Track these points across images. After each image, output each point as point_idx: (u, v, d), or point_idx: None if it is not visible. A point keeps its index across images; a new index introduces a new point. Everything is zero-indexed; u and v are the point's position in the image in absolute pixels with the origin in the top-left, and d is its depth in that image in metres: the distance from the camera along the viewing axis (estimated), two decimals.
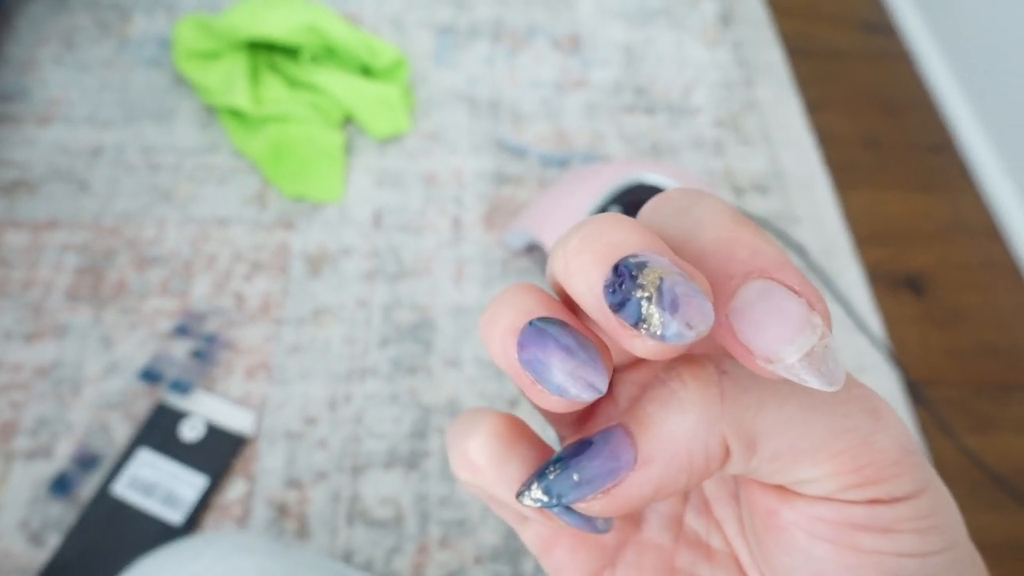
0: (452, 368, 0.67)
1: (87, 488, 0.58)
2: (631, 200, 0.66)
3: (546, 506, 0.15)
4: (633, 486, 0.14)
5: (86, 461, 0.59)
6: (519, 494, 0.15)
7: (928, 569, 0.14)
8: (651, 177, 0.68)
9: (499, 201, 0.78)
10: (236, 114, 0.78)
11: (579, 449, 0.15)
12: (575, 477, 0.14)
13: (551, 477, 0.15)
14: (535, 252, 0.74)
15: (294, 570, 0.40)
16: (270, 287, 0.70)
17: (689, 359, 0.15)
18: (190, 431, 0.61)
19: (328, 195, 0.76)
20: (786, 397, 0.14)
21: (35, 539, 0.56)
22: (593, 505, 0.15)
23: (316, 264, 0.72)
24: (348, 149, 0.80)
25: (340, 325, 0.68)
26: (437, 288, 0.71)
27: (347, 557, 0.57)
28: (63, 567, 0.55)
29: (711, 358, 0.15)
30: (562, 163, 0.81)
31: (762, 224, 0.77)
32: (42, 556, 0.55)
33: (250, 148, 0.76)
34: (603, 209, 0.65)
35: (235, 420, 0.62)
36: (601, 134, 0.84)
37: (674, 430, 0.14)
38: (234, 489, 0.60)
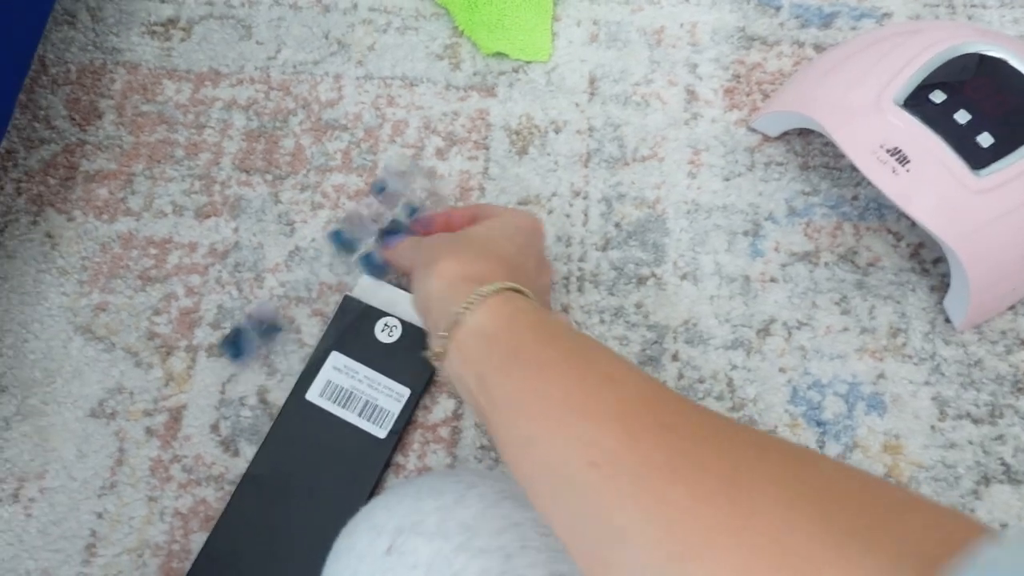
0: (688, 282, 0.55)
1: (277, 395, 0.51)
2: (960, 79, 0.49)
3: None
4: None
5: (264, 329, 0.52)
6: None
7: None
8: (986, 47, 0.50)
9: (744, 69, 0.62)
10: None
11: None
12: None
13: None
14: (792, 139, 0.59)
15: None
16: (468, 166, 0.58)
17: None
18: (386, 333, 0.52)
19: (534, 53, 0.61)
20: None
21: (227, 446, 0.51)
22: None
23: (521, 141, 0.59)
24: None
25: (552, 219, 0.57)
26: (668, 179, 0.58)
27: None
28: (263, 478, 0.49)
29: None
30: (824, 20, 0.63)
31: None
32: (237, 465, 0.50)
33: None
34: (923, 88, 0.49)
35: None
36: None
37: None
38: (440, 408, 0.51)
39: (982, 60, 0.49)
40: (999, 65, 0.49)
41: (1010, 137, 0.47)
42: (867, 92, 0.50)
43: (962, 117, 0.48)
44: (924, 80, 0.49)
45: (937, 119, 0.48)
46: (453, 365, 0.36)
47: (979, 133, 0.47)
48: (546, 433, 0.29)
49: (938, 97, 0.48)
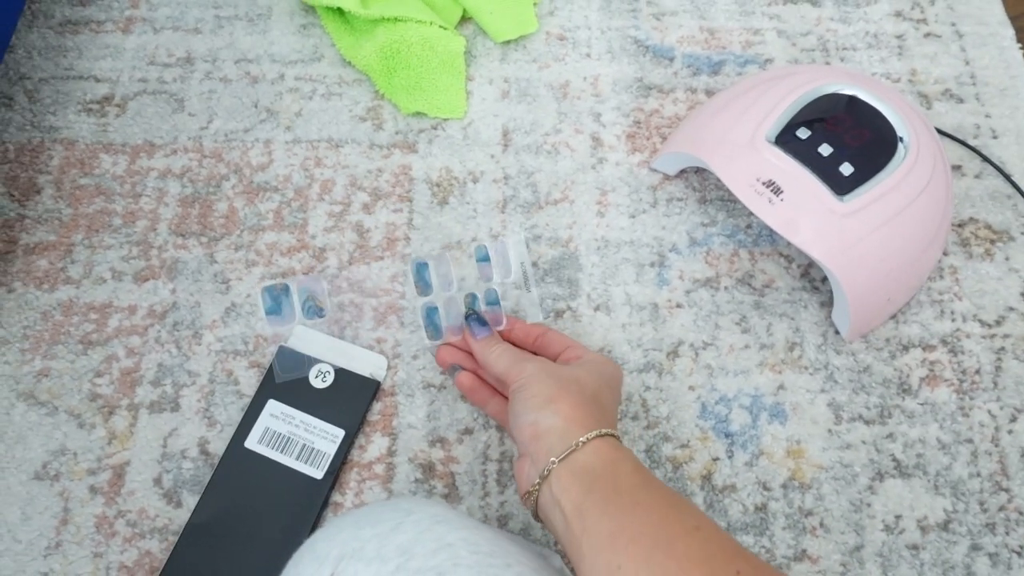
0: (601, 312, 0.59)
1: (216, 445, 0.54)
2: (822, 115, 0.55)
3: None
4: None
5: (307, 305, 0.54)
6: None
7: None
8: (845, 87, 0.56)
9: (643, 115, 0.67)
10: (340, 15, 0.68)
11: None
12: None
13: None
14: (689, 176, 0.64)
15: (495, 542, 0.36)
16: (394, 218, 0.62)
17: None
18: (319, 379, 0.55)
19: (450, 111, 0.66)
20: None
21: (170, 497, 0.53)
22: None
23: (442, 192, 0.64)
24: (467, 55, 0.69)
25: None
26: (579, 219, 0.63)
27: (501, 522, 0.52)
28: (205, 525, 0.51)
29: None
30: (714, 68, 0.70)
31: (955, 138, 0.66)
32: (180, 515, 0.52)
33: (359, 56, 0.67)
34: (791, 126, 0.55)
35: (367, 365, 0.56)
36: (757, 31, 0.72)
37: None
38: (374, 446, 0.54)
39: (840, 98, 0.56)
40: (856, 102, 0.56)
41: (868, 165, 0.53)
42: (744, 131, 0.56)
43: (825, 150, 0.53)
44: (792, 118, 0.55)
45: (804, 153, 0.53)
46: (553, 489, 0.41)
47: (841, 163, 0.53)
48: (634, 564, 0.35)
49: (804, 133, 0.54)
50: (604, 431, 0.42)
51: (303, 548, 0.39)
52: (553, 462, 0.41)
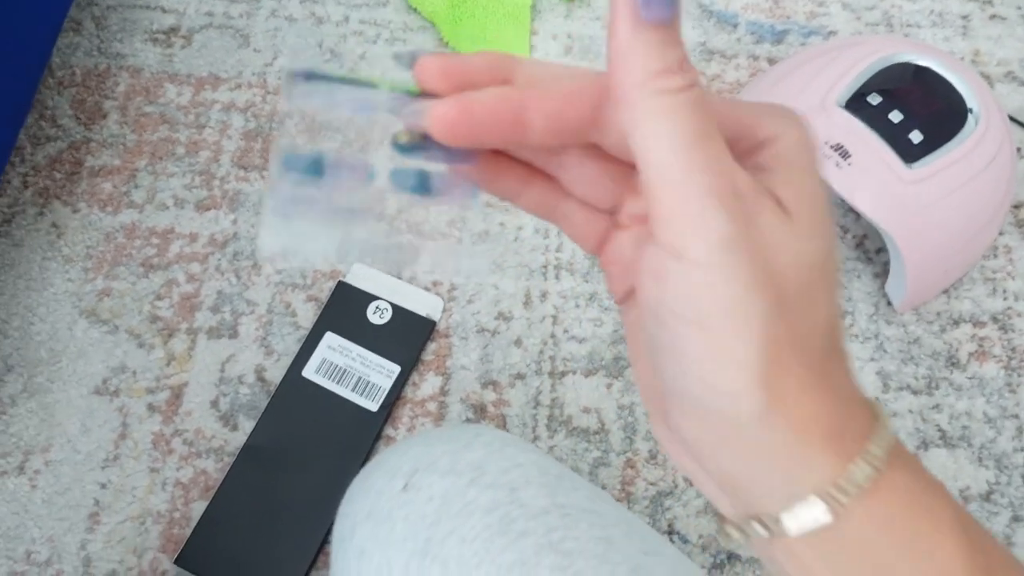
0: None
1: (275, 370, 0.55)
2: (892, 86, 0.55)
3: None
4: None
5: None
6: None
7: None
8: (916, 57, 0.56)
9: (705, 80, 0.67)
10: None
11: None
12: None
13: None
14: None
15: (560, 471, 0.37)
16: None
17: None
18: (377, 315, 0.56)
19: None
20: None
21: (226, 420, 0.54)
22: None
23: None
24: (532, 9, 0.69)
25: (530, 217, 0.61)
26: None
27: None
28: (261, 448, 0.52)
29: None
30: (777, 37, 0.69)
31: (1016, 120, 0.66)
32: (236, 438, 0.53)
33: (425, 3, 0.67)
34: (862, 92, 0.55)
35: (423, 305, 0.57)
36: (822, 3, 0.71)
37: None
38: (428, 384, 0.55)
39: (913, 68, 0.56)
40: (927, 73, 0.56)
41: (937, 134, 0.53)
42: (813, 96, 0.56)
43: (896, 117, 0.53)
44: (862, 85, 0.55)
45: (874, 118, 0.53)
46: (777, 556, 0.20)
47: (911, 131, 0.53)
48: None
49: (875, 100, 0.54)
50: (872, 453, 0.19)
51: (372, 463, 0.39)
52: (777, 522, 0.19)
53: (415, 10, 0.68)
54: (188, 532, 0.50)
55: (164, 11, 0.68)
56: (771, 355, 0.18)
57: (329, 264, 0.58)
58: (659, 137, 0.18)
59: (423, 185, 0.23)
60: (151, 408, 0.54)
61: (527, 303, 0.58)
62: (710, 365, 0.18)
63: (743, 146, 0.20)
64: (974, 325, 0.58)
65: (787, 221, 0.19)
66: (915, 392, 0.56)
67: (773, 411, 0.18)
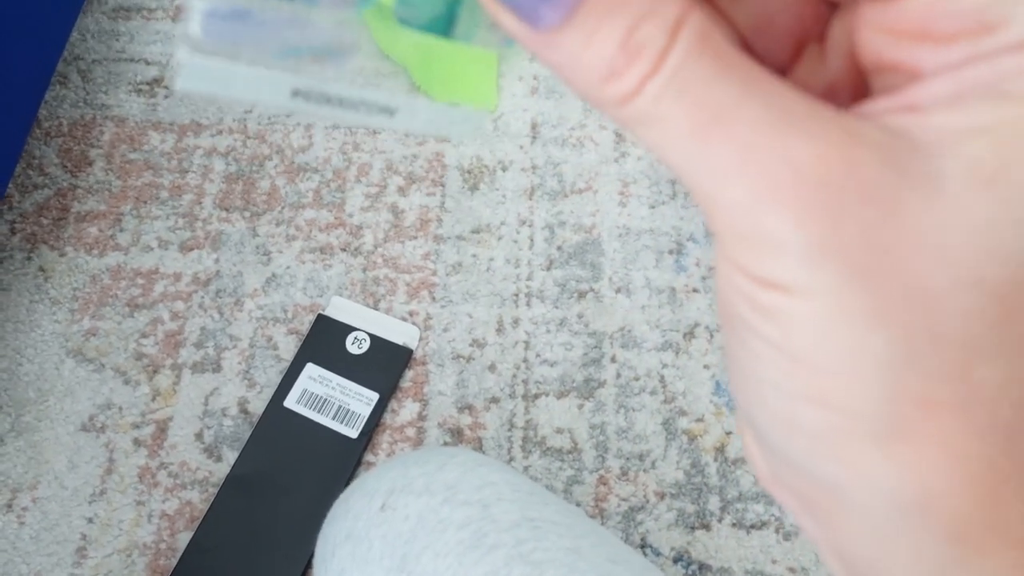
0: (622, 294, 0.63)
1: (257, 403, 0.57)
2: None
3: None
4: None
5: None
6: None
7: None
8: None
9: None
10: (380, 10, 0.73)
11: None
12: None
13: None
14: None
15: (531, 488, 0.39)
16: (427, 201, 0.66)
17: None
18: (355, 345, 0.58)
19: (482, 102, 0.70)
20: None
21: (210, 452, 0.55)
22: None
23: (473, 178, 0.67)
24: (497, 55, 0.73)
25: (502, 244, 0.64)
26: (602, 208, 0.66)
27: None
28: (245, 478, 0.54)
29: None
30: None
31: None
32: (220, 469, 0.54)
33: (396, 49, 0.71)
34: None
35: (400, 334, 0.59)
36: None
37: None
38: (406, 411, 0.57)
39: None
40: None
41: None
42: None
43: None
44: None
45: None
46: None
47: None
48: None
49: None
50: None
51: (351, 487, 0.41)
52: None
53: (387, 56, 0.72)
54: (174, 562, 0.51)
55: (147, 63, 0.71)
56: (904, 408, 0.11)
57: (310, 299, 0.61)
58: (663, 149, 0.12)
59: None
60: (137, 442, 0.55)
61: (500, 330, 0.61)
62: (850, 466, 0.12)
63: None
64: None
65: (972, 195, 0.11)
66: None
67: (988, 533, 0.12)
